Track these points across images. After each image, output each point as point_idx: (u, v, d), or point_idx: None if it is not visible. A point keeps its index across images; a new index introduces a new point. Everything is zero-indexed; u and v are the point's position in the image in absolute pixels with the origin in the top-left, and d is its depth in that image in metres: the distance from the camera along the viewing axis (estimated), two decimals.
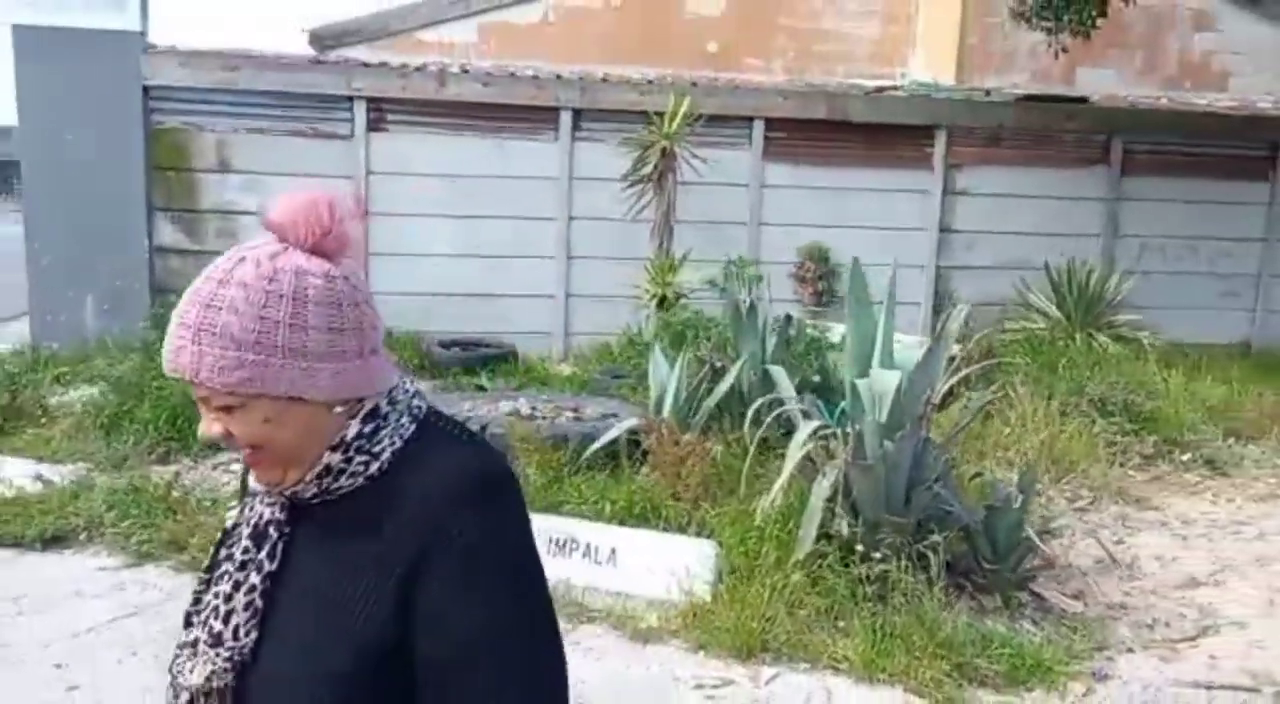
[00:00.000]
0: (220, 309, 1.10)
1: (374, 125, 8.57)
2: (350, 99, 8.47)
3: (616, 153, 8.60)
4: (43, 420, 6.24)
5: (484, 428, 5.62)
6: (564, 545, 4.35)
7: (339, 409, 1.15)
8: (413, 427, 1.19)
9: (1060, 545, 4.78)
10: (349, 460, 1.15)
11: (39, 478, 5.23)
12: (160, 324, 8.34)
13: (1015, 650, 3.81)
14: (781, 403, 4.81)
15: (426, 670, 1.11)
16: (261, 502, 1.19)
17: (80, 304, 8.10)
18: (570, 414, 6.10)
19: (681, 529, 4.48)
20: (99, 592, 4.29)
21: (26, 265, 8.12)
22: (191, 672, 1.15)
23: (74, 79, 7.85)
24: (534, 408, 6.11)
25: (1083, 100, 10.01)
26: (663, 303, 8.44)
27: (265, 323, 1.10)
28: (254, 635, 1.14)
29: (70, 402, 6.59)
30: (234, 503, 1.25)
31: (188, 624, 1.20)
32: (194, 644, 1.17)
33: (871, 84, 9.89)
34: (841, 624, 3.95)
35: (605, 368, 7.75)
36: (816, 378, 6.03)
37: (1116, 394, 6.63)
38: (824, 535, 4.19)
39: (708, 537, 4.40)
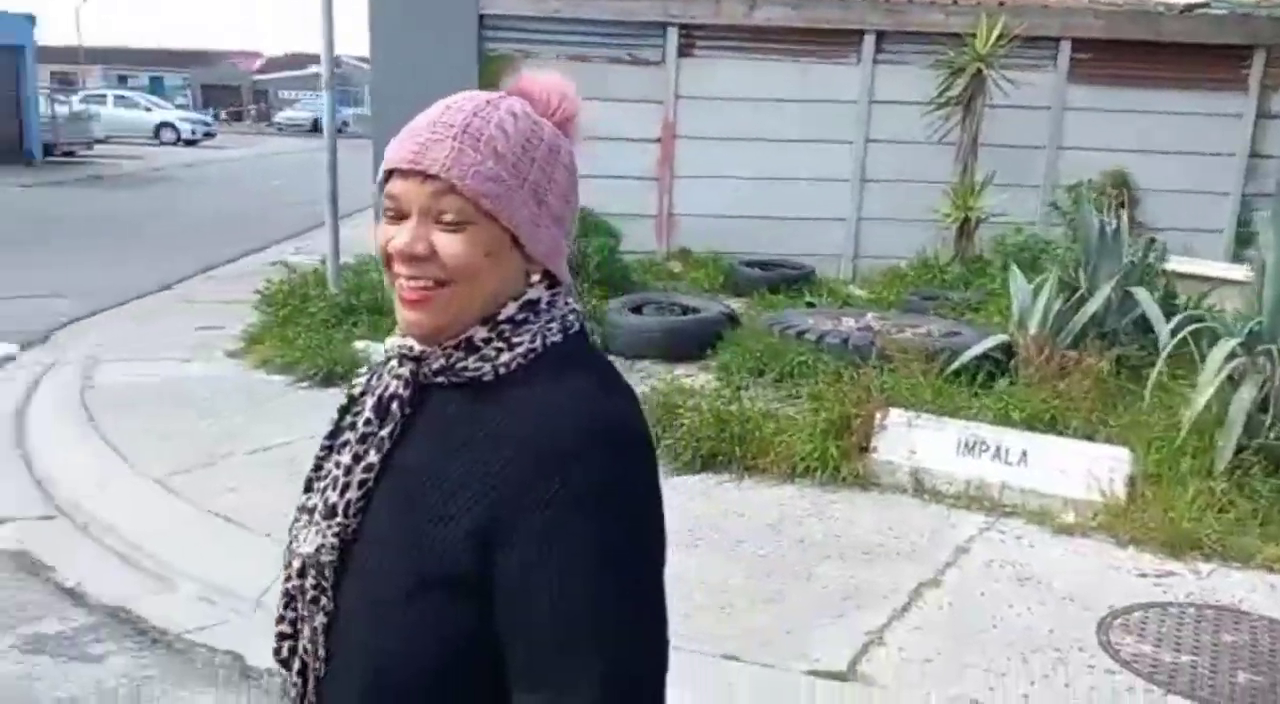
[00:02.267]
0: (488, 122, 1.05)
1: (684, 51, 8.92)
2: (664, 25, 8.83)
3: (918, 76, 8.68)
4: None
5: (846, 340, 5.97)
6: (973, 447, 4.65)
7: (535, 277, 1.09)
8: (559, 337, 1.10)
9: None
10: (488, 341, 1.07)
11: None
12: None
13: None
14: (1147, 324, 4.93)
15: (503, 623, 1.03)
16: (390, 372, 1.11)
17: None
18: (912, 331, 6.36)
19: (1087, 438, 4.70)
20: None
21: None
22: (305, 540, 1.11)
23: (419, 8, 8.48)
24: (875, 326, 6.40)
25: None
26: (964, 226, 8.55)
27: (526, 153, 1.05)
28: (359, 517, 1.09)
29: None
30: (362, 371, 1.20)
31: (308, 489, 1.15)
32: (311, 511, 1.13)
33: (1184, 1, 9.54)
34: (1272, 528, 4.11)
35: (916, 289, 7.95)
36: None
37: None
38: (1241, 447, 4.34)
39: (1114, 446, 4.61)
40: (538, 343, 1.08)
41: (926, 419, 4.73)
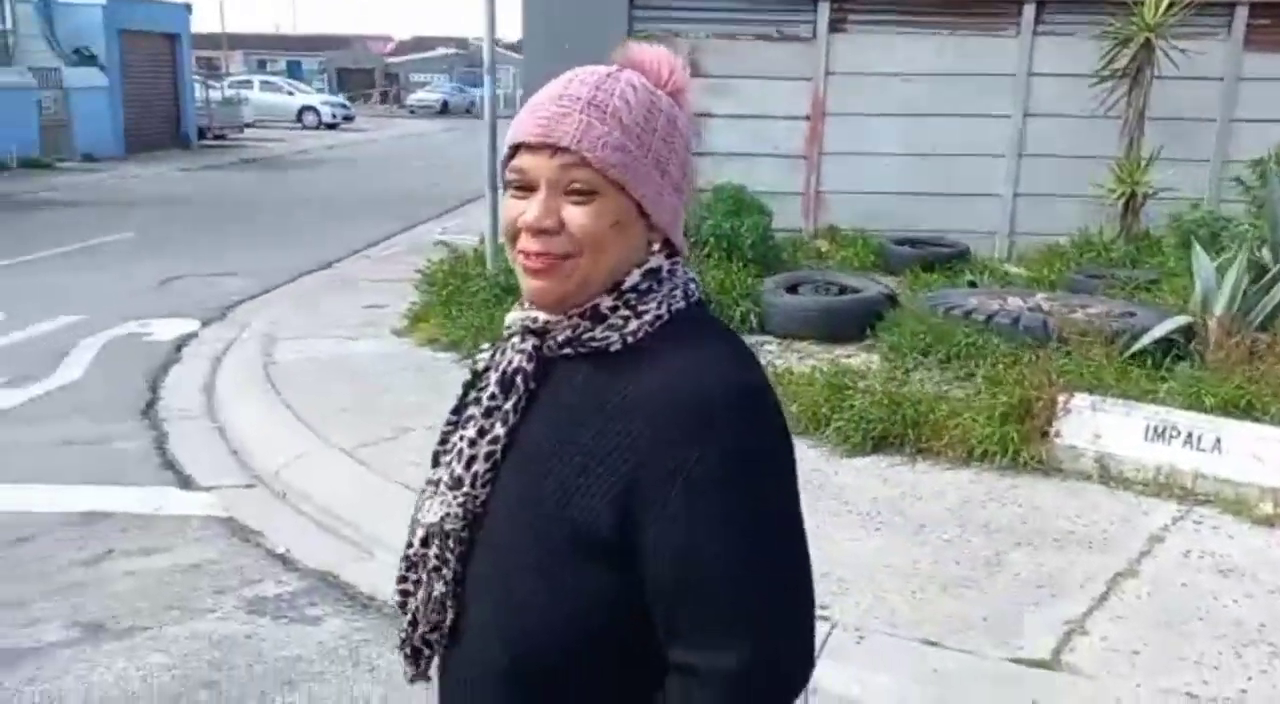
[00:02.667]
0: (612, 94, 1.06)
1: (835, 26, 8.78)
2: (815, 1, 8.71)
3: (1080, 46, 8.35)
4: None
5: (1016, 320, 5.83)
6: (1163, 433, 4.49)
7: (656, 246, 1.10)
8: (682, 304, 1.10)
9: None
10: (614, 310, 1.08)
11: None
12: None
13: None
14: None
15: (652, 589, 1.05)
16: (514, 347, 1.13)
17: None
18: (1084, 311, 6.16)
19: None
20: None
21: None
22: (430, 510, 1.14)
23: None
24: (1046, 306, 6.22)
25: None
26: (1129, 202, 8.22)
27: (649, 123, 1.07)
28: (488, 487, 1.11)
29: None
30: (486, 345, 1.20)
31: (435, 463, 1.17)
32: (437, 483, 1.15)
33: None
34: None
35: (1080, 268, 7.69)
36: None
37: None
38: None
39: None
40: (664, 310, 1.09)
41: (1112, 403, 4.58)
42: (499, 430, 1.11)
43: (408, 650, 1.21)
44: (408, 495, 4.54)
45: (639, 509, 1.02)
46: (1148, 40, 7.90)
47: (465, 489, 1.11)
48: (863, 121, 8.84)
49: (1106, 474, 4.49)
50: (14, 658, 3.24)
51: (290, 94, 33.64)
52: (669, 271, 1.12)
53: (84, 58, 20.00)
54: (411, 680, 1.24)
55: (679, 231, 1.14)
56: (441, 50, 63.80)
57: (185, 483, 4.72)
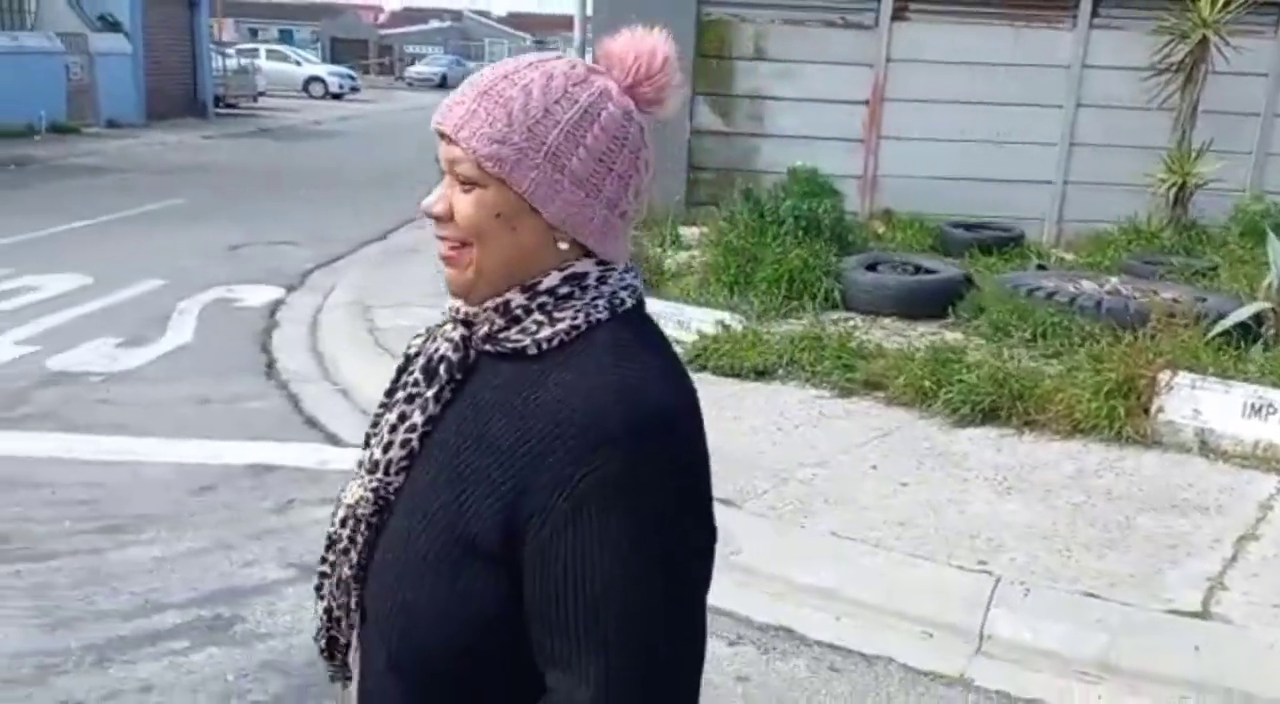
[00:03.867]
0: (515, 84, 1.03)
1: (897, 14, 9.03)
2: None
3: (1134, 40, 8.64)
4: (665, 279, 7.31)
5: (1099, 303, 6.13)
6: (1259, 409, 4.80)
7: (563, 246, 1.06)
8: (605, 315, 1.07)
9: None
10: (527, 311, 1.06)
11: (720, 323, 6.23)
12: (694, 200, 9.36)
13: None
14: None
15: (527, 599, 1.02)
16: (443, 335, 1.12)
17: None
18: (1154, 296, 6.46)
19: None
20: (834, 415, 5.20)
21: None
22: (349, 492, 1.13)
23: None
24: (1123, 289, 6.52)
25: None
26: (1179, 192, 8.53)
27: (548, 117, 1.02)
28: (401, 476, 1.10)
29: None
30: (421, 332, 1.18)
31: (366, 443, 1.15)
32: (360, 464, 1.14)
33: None
34: None
35: (1135, 254, 7.99)
36: None
37: None
38: None
39: None
40: (580, 320, 1.05)
41: (1211, 381, 4.89)
42: (417, 419, 1.10)
43: (323, 642, 1.20)
44: None
45: (522, 521, 1.00)
46: (1204, 37, 8.19)
47: (379, 475, 1.10)
48: (920, 108, 9.11)
49: (1206, 448, 4.80)
50: (247, 593, 3.50)
51: (298, 64, 33.58)
52: (598, 279, 1.08)
53: (108, 23, 19.96)
54: (332, 679, 1.24)
55: (606, 238, 1.08)
56: (435, 23, 63.55)
57: (334, 440, 4.96)
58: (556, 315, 1.05)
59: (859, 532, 3.97)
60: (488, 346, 1.08)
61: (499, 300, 1.07)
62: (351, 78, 34.77)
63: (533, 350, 1.05)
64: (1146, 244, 8.43)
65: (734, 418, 5.11)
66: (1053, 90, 9.11)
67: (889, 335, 6.39)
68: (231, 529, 3.95)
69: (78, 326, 6.62)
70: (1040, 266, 7.60)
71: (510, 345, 1.06)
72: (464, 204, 1.04)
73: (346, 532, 1.12)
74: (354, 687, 1.19)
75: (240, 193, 12.94)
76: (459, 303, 1.11)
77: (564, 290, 1.06)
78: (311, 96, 31.92)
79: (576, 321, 1.05)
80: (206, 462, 4.56)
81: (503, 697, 1.06)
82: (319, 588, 1.18)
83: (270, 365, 6.09)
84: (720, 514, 1.04)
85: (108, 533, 3.87)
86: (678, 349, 1.17)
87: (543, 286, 1.06)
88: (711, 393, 5.16)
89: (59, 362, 5.90)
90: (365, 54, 55.11)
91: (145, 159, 16.10)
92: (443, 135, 1.05)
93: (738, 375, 5.66)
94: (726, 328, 6.18)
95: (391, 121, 26.03)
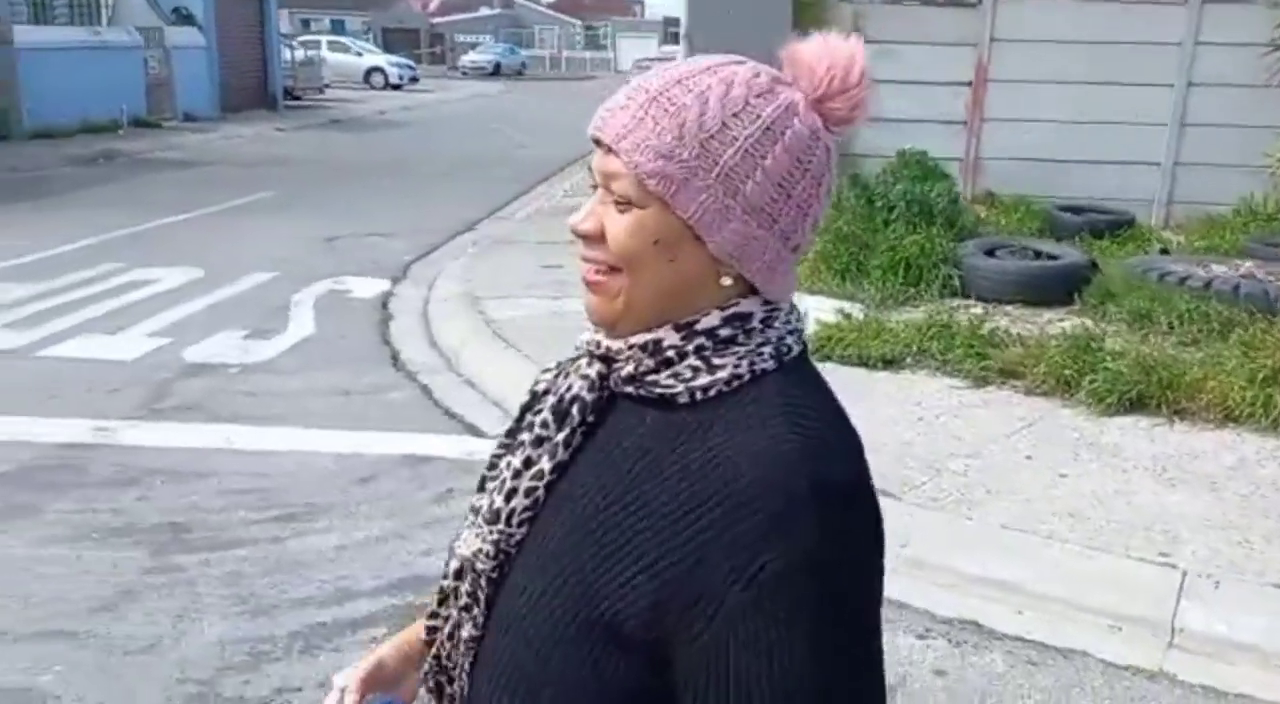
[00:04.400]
0: (691, 91, 0.89)
1: None
2: None
3: (1251, 15, 8.39)
4: None
5: (1236, 287, 5.98)
6: None
7: (727, 281, 0.92)
8: (771, 364, 0.93)
9: None
10: (681, 354, 0.92)
11: (840, 312, 6.17)
12: None
13: None
14: None
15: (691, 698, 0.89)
16: (578, 371, 0.99)
17: None
18: None
19: None
20: (972, 405, 5.12)
21: None
22: (465, 542, 1.01)
23: None
24: (1259, 274, 6.35)
25: None
26: None
27: (725, 133, 0.89)
28: (525, 528, 0.98)
29: None
30: (551, 366, 1.06)
31: (481, 487, 1.04)
32: (477, 511, 1.01)
33: None
34: None
35: (1254, 237, 7.79)
36: None
37: None
38: None
39: None
40: (743, 369, 0.92)
41: None
42: (545, 465, 0.97)
43: (430, 684, 1.10)
44: None
45: (680, 606, 0.86)
46: None
47: (500, 526, 0.98)
48: (1025, 88, 8.93)
49: None
50: (431, 581, 3.50)
51: (359, 55, 33.90)
52: (763, 321, 0.94)
53: (182, 16, 20.26)
54: None
55: (776, 275, 0.94)
56: (485, 10, 63.75)
57: (475, 432, 4.98)
58: (715, 361, 0.92)
59: (1029, 523, 3.91)
60: (629, 389, 0.95)
61: (648, 337, 0.93)
62: (411, 68, 35.03)
63: (684, 399, 0.92)
64: (1263, 226, 8.21)
65: (870, 408, 5.06)
66: (1162, 69, 8.88)
67: (1015, 322, 6.28)
68: (400, 519, 3.99)
69: (203, 319, 6.74)
70: (1164, 250, 7.43)
71: (659, 391, 0.93)
72: (618, 225, 0.91)
73: (466, 586, 1.01)
74: None
75: (321, 185, 13.09)
76: (599, 336, 0.97)
77: (725, 333, 0.92)
78: (372, 87, 32.20)
79: (739, 370, 0.92)
80: (361, 452, 4.61)
81: None
82: (431, 631, 1.07)
83: (395, 357, 6.14)
84: (882, 505, 0.95)
85: (283, 522, 3.93)
86: None
87: (701, 326, 0.92)
88: (841, 381, 5.12)
89: (194, 353, 6.01)
90: (417, 43, 55.43)
91: (225, 152, 16.34)
92: (599, 143, 0.92)
93: (865, 364, 5.59)
94: (848, 317, 6.13)
95: (452, 111, 26.17)
